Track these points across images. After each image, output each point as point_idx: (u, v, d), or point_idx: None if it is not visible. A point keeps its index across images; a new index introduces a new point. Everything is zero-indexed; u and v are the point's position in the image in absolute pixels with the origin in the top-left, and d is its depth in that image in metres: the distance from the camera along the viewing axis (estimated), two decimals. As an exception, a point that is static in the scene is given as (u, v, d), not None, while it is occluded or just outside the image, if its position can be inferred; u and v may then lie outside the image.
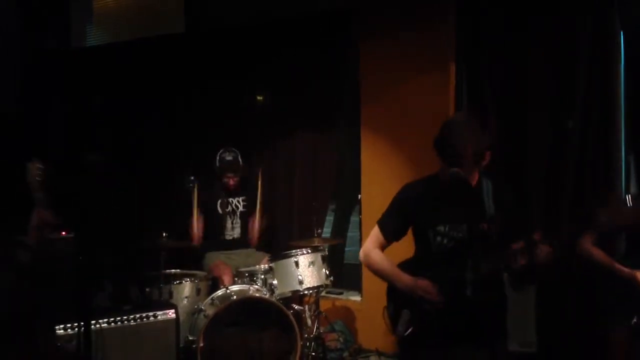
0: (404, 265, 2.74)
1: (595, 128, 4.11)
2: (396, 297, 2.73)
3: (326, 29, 5.23)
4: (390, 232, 2.76)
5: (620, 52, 4.11)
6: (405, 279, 2.65)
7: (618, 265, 3.01)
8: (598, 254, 3.05)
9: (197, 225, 4.84)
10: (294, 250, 4.44)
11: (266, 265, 4.47)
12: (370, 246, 2.78)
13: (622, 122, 4.12)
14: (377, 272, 2.77)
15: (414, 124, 4.78)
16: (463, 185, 2.58)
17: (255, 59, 5.54)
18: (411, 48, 4.82)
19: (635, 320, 2.89)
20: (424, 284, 2.59)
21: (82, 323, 2.96)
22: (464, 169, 2.54)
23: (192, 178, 4.80)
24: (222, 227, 4.95)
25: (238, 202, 4.98)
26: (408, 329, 2.63)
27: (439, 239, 2.62)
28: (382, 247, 2.78)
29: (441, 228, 2.62)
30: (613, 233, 3.20)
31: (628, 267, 3.00)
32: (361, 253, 2.82)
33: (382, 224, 2.78)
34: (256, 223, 4.98)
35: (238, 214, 4.98)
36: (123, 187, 5.38)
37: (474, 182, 2.64)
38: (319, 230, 4.76)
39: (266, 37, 5.47)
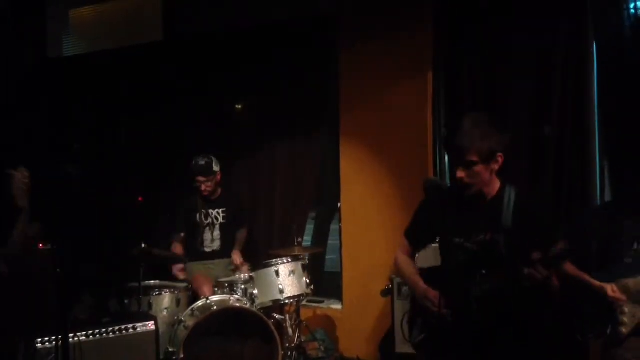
0: (428, 273, 2.73)
1: (570, 135, 4.17)
2: (415, 304, 2.73)
3: (306, 36, 5.25)
4: (413, 239, 2.80)
5: (594, 61, 4.19)
6: (419, 286, 2.64)
7: (588, 278, 3.04)
8: (569, 267, 3.08)
9: (176, 246, 4.89)
10: (274, 260, 4.45)
11: (246, 275, 4.45)
12: (398, 251, 2.83)
13: (597, 129, 4.20)
14: (400, 276, 2.87)
15: (392, 131, 4.81)
16: (475, 195, 2.51)
17: (234, 66, 5.54)
18: (390, 56, 4.87)
19: (609, 330, 2.93)
20: (432, 294, 2.55)
21: (60, 336, 2.91)
22: (469, 171, 2.45)
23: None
24: (202, 239, 4.93)
25: (218, 213, 4.96)
26: (420, 336, 2.64)
27: (453, 250, 2.56)
28: (409, 254, 2.82)
29: (456, 239, 2.55)
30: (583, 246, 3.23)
31: (599, 280, 3.04)
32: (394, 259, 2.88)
33: (407, 229, 2.82)
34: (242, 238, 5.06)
35: (218, 225, 4.95)
36: (101, 198, 5.34)
37: (493, 191, 2.56)
38: (299, 239, 4.77)
39: (245, 45, 5.47)
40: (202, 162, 4.82)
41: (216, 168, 4.86)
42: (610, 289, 2.90)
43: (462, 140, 2.44)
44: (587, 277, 3.03)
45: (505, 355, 2.53)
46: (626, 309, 2.90)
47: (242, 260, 4.86)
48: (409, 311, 2.81)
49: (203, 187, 4.84)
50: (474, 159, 2.44)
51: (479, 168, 2.46)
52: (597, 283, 2.99)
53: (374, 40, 4.94)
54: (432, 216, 2.70)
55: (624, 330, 2.89)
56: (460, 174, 2.47)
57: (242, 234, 5.09)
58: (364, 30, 5.01)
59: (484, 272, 2.46)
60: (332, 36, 5.16)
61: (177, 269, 4.74)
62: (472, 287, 2.46)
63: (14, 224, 3.07)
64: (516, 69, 4.40)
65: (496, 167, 2.50)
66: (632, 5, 3.90)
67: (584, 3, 4.12)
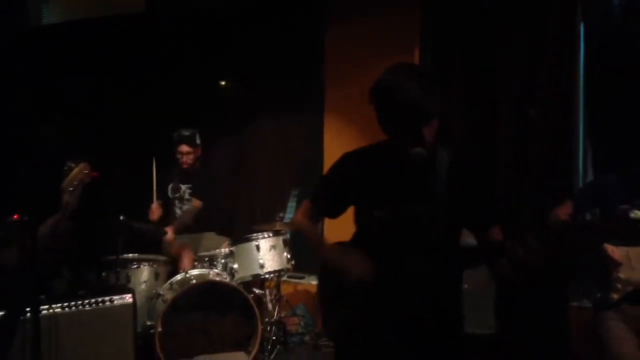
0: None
1: (555, 115, 4.17)
2: (327, 281, 2.36)
3: (291, 13, 5.18)
4: (325, 208, 2.34)
5: (580, 42, 4.17)
6: (330, 248, 2.27)
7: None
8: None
9: (155, 207, 4.78)
10: (255, 234, 4.41)
11: (227, 249, 4.41)
12: (300, 216, 2.38)
13: (581, 112, 4.20)
14: (305, 238, 2.37)
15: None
16: (425, 161, 2.05)
17: (217, 42, 5.46)
18: (376, 33, 4.82)
19: (599, 295, 2.94)
20: (355, 257, 2.14)
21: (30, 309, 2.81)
22: (429, 129, 2.02)
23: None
24: (173, 212, 4.86)
25: (187, 188, 4.89)
26: (337, 323, 2.25)
27: (377, 224, 2.15)
28: (313, 221, 2.38)
29: (381, 211, 2.13)
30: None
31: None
32: (292, 221, 2.51)
33: (316, 197, 2.35)
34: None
35: (184, 201, 4.89)
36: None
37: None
38: (281, 214, 4.73)
39: (230, 20, 5.39)
40: (187, 132, 4.77)
41: (198, 141, 4.80)
42: (610, 249, 2.90)
43: (420, 95, 1.97)
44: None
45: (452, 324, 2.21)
46: (621, 276, 2.90)
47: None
48: (318, 291, 2.41)
49: (184, 159, 4.77)
50: (432, 117, 2.01)
51: (434, 128, 2.04)
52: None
53: (360, 16, 4.90)
54: (347, 182, 2.22)
55: (615, 295, 2.89)
56: (419, 138, 2.00)
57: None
58: (350, 6, 4.95)
59: (417, 249, 2.09)
60: (318, 13, 5.10)
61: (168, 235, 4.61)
62: (402, 268, 2.09)
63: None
64: (504, 47, 4.37)
65: (431, 133, 2.04)
66: (620, -15, 3.88)
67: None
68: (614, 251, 2.88)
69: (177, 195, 4.87)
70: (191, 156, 4.79)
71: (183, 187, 4.88)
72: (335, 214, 2.36)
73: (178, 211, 4.86)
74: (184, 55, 5.55)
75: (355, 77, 4.88)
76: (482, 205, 2.20)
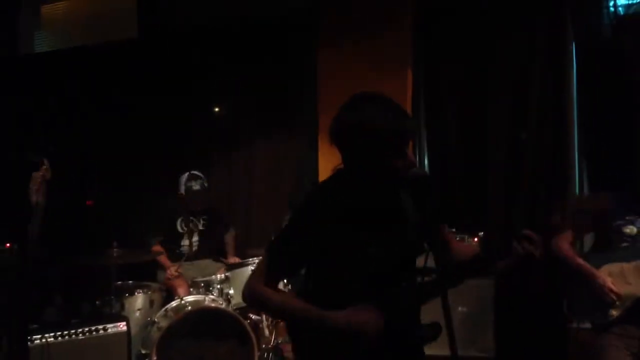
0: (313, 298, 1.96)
1: (549, 134, 4.17)
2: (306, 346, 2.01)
3: (283, 35, 5.19)
4: (286, 264, 1.99)
5: (573, 61, 4.20)
6: (331, 314, 1.89)
7: (583, 262, 3.01)
8: (568, 252, 3.06)
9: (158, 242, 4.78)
10: (250, 259, 4.36)
11: (222, 275, 4.36)
12: (254, 282, 2.00)
13: (575, 129, 4.20)
14: (276, 312, 2.11)
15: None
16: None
17: (209, 64, 5.46)
18: (368, 54, 4.83)
19: (597, 313, 2.91)
20: (365, 315, 1.87)
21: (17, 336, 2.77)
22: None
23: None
24: (180, 244, 4.80)
25: (199, 220, 4.83)
26: None
27: (359, 263, 1.93)
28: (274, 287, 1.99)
29: (367, 246, 1.92)
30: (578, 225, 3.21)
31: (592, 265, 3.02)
32: (245, 291, 2.02)
33: (277, 251, 2.01)
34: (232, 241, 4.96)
35: (197, 232, 4.81)
36: (72, 195, 5.21)
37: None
38: (277, 239, 4.67)
39: (222, 44, 5.40)
40: (197, 187, 4.65)
41: (206, 184, 4.73)
42: (609, 282, 2.87)
43: (407, 117, 1.91)
44: (581, 261, 3.00)
45: None
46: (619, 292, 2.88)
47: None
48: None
49: (195, 202, 4.72)
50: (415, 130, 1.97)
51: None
52: (590, 270, 2.93)
53: (352, 38, 4.91)
54: (319, 228, 1.92)
55: (614, 312, 2.86)
56: (412, 156, 1.92)
57: (230, 237, 4.98)
58: (342, 28, 4.97)
59: (405, 278, 1.96)
60: (310, 35, 5.11)
61: (170, 272, 4.56)
62: (396, 300, 1.92)
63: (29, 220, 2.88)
64: (495, 67, 4.39)
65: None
66: (611, 4, 3.91)
67: (563, 2, 4.14)
68: (613, 283, 2.87)
69: (187, 229, 4.79)
70: (200, 199, 4.73)
71: (194, 219, 4.81)
72: (295, 270, 2.09)
73: (186, 242, 4.77)
74: (175, 80, 5.54)
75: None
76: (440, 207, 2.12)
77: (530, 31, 4.26)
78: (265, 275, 1.97)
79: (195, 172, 4.74)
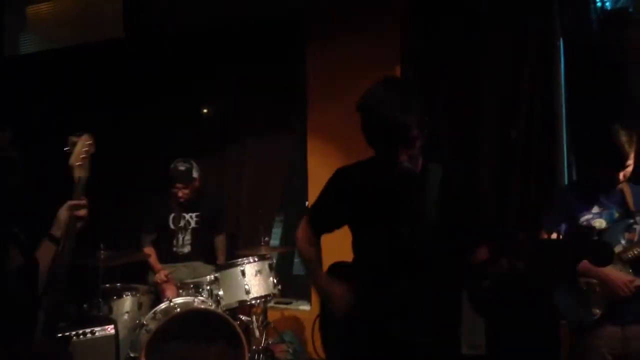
0: (337, 269, 2.40)
1: (538, 131, 4.17)
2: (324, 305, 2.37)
3: (272, 34, 5.16)
4: (324, 224, 2.37)
5: (561, 57, 4.20)
6: (321, 279, 2.34)
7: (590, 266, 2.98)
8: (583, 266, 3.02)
9: (150, 244, 4.72)
10: (239, 259, 4.33)
11: (212, 276, 4.32)
12: (302, 237, 2.43)
13: (564, 126, 4.20)
14: (304, 265, 2.47)
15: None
16: (412, 179, 2.08)
17: (197, 65, 5.42)
18: (357, 53, 4.81)
19: (580, 310, 2.88)
20: (339, 291, 2.22)
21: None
22: (412, 151, 2.03)
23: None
24: (172, 242, 4.75)
25: (191, 217, 4.78)
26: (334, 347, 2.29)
27: (382, 238, 2.13)
28: (312, 243, 2.41)
29: (385, 225, 2.13)
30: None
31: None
32: (297, 234, 2.45)
33: (315, 213, 2.40)
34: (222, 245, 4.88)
35: (190, 230, 4.77)
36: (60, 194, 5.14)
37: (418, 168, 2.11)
38: (266, 239, 4.65)
39: (210, 43, 5.36)
40: (182, 168, 4.63)
41: (195, 174, 4.69)
42: (627, 280, 2.79)
43: (403, 112, 1.96)
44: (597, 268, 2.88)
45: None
46: (598, 289, 2.85)
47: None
48: (319, 314, 2.43)
49: (180, 194, 4.67)
50: (416, 133, 2.00)
51: (419, 143, 2.04)
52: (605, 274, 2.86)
53: (342, 37, 4.88)
54: (343, 197, 2.26)
55: (597, 310, 2.84)
56: (404, 155, 2.00)
57: (220, 241, 4.91)
58: (331, 27, 4.95)
59: (411, 270, 2.08)
60: (299, 34, 5.09)
61: (159, 277, 4.51)
62: (396, 288, 2.09)
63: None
64: (484, 65, 4.38)
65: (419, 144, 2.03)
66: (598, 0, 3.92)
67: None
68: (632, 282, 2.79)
69: (180, 225, 4.75)
70: (187, 191, 4.68)
71: (187, 216, 4.77)
72: (332, 229, 2.39)
73: (179, 240, 4.73)
74: (164, 80, 5.50)
75: (339, 98, 4.85)
76: (473, 221, 2.16)
77: (518, 28, 4.25)
78: (307, 229, 2.40)
79: (186, 157, 4.71)
